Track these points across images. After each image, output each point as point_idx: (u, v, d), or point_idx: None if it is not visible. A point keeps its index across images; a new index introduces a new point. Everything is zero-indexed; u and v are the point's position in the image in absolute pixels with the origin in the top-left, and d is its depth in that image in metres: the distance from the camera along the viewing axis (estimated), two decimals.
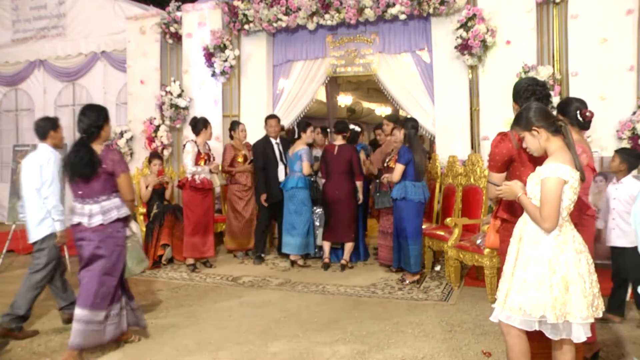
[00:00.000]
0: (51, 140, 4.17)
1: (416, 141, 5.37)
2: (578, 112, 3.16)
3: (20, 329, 3.98)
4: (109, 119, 3.74)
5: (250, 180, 6.42)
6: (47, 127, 4.18)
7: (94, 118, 3.58)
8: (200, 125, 6.10)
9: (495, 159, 2.89)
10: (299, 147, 6.10)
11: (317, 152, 6.55)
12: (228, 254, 6.66)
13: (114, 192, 3.58)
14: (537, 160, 2.69)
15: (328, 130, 7.46)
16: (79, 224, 3.53)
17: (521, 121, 2.64)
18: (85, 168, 3.47)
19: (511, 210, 2.88)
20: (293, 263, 6.03)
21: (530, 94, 2.95)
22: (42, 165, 3.98)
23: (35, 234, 4.02)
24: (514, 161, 2.83)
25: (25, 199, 4.08)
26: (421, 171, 5.30)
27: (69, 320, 4.03)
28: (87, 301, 3.46)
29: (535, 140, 2.60)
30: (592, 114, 3.14)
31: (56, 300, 4.29)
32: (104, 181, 3.53)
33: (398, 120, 5.80)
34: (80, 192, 3.55)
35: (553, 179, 2.47)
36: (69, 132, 9.13)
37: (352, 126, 6.71)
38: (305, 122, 6.44)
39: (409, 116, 6.87)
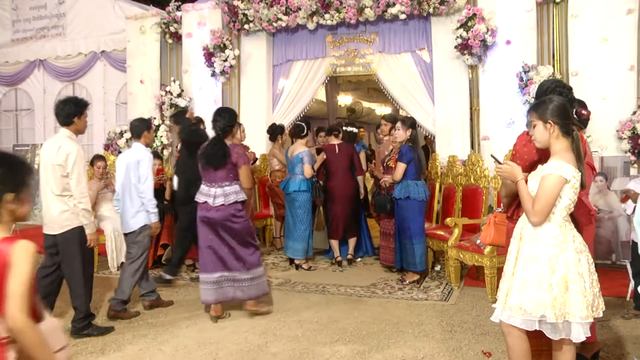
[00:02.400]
0: (144, 139, 4.58)
1: (417, 140, 5.37)
2: (574, 111, 3.16)
3: (125, 311, 4.44)
4: (237, 119, 4.44)
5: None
6: (142, 128, 4.58)
7: (228, 119, 4.29)
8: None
9: (523, 157, 2.81)
10: (300, 149, 5.97)
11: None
12: None
13: (235, 179, 4.24)
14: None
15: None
16: (205, 202, 4.21)
17: (539, 109, 2.59)
18: (219, 159, 4.15)
19: None
20: (298, 267, 5.99)
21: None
22: (140, 162, 4.39)
23: (131, 225, 4.42)
24: (541, 161, 2.79)
25: (123, 194, 4.46)
26: (421, 170, 5.29)
27: (150, 307, 4.59)
28: (232, 265, 4.20)
29: (546, 133, 2.57)
30: (588, 113, 3.13)
31: (139, 288, 4.63)
32: (228, 170, 4.20)
33: (399, 119, 5.76)
34: (208, 177, 4.24)
35: (555, 177, 2.47)
36: None
37: (350, 128, 6.60)
38: (299, 126, 6.16)
39: (408, 115, 6.88)
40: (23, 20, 9.40)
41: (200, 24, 7.68)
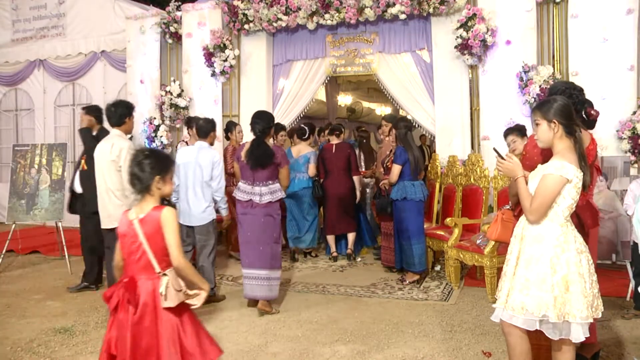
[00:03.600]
0: (210, 139, 4.86)
1: (409, 141, 5.34)
2: (583, 111, 3.16)
3: (215, 295, 4.82)
4: (274, 122, 4.76)
5: None
6: (209, 128, 4.85)
7: (267, 121, 4.55)
8: (189, 125, 6.17)
9: (533, 159, 2.82)
10: (307, 150, 6.41)
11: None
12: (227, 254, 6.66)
13: (275, 179, 4.54)
14: None
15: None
16: (249, 200, 4.46)
17: (544, 108, 2.59)
18: (267, 159, 4.44)
19: None
20: (307, 254, 6.56)
21: (567, 97, 2.93)
22: (215, 163, 4.69)
23: (201, 220, 4.69)
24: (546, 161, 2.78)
25: (191, 189, 4.69)
26: (418, 170, 5.29)
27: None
28: (267, 264, 4.43)
29: (550, 132, 2.56)
30: (597, 113, 3.14)
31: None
32: (272, 170, 4.50)
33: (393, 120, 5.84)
34: (251, 177, 4.49)
35: (555, 176, 2.46)
36: (69, 132, 9.16)
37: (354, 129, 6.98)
38: (302, 129, 6.57)
39: (408, 116, 6.89)
40: (23, 20, 9.39)
41: (200, 24, 7.67)
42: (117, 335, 2.42)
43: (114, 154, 4.31)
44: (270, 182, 4.50)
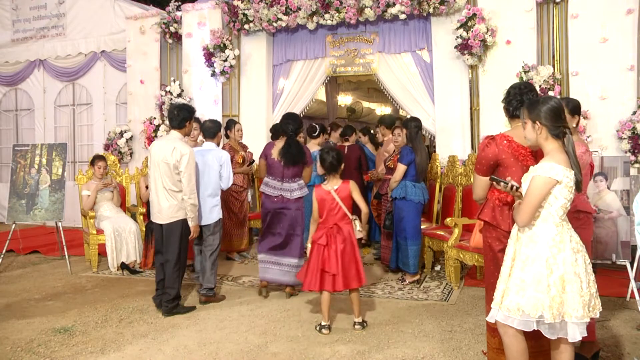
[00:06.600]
0: (217, 139, 5.03)
1: (418, 141, 5.34)
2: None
3: (215, 295, 4.86)
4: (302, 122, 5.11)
5: (245, 181, 6.43)
6: (216, 129, 5.02)
7: (299, 122, 4.89)
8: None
9: (481, 162, 2.92)
10: (315, 149, 6.31)
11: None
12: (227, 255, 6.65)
13: (301, 175, 4.89)
14: (523, 164, 2.74)
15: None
16: (280, 196, 4.81)
17: (531, 109, 2.60)
18: (301, 157, 4.79)
19: (493, 213, 2.90)
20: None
21: (516, 101, 2.96)
22: (223, 164, 4.81)
23: (208, 219, 4.79)
24: (500, 165, 2.85)
25: (201, 189, 4.76)
26: (422, 172, 5.29)
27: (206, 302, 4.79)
28: (297, 253, 4.84)
29: (534, 133, 2.59)
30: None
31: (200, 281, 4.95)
32: (300, 167, 4.84)
33: (399, 120, 5.85)
34: (282, 174, 4.82)
35: (543, 178, 2.48)
36: (69, 132, 9.17)
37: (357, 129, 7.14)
38: (313, 127, 6.54)
39: (407, 116, 6.89)
40: (23, 20, 9.39)
41: (200, 24, 7.68)
42: (329, 258, 3.91)
43: (174, 158, 4.33)
44: (297, 178, 4.84)
